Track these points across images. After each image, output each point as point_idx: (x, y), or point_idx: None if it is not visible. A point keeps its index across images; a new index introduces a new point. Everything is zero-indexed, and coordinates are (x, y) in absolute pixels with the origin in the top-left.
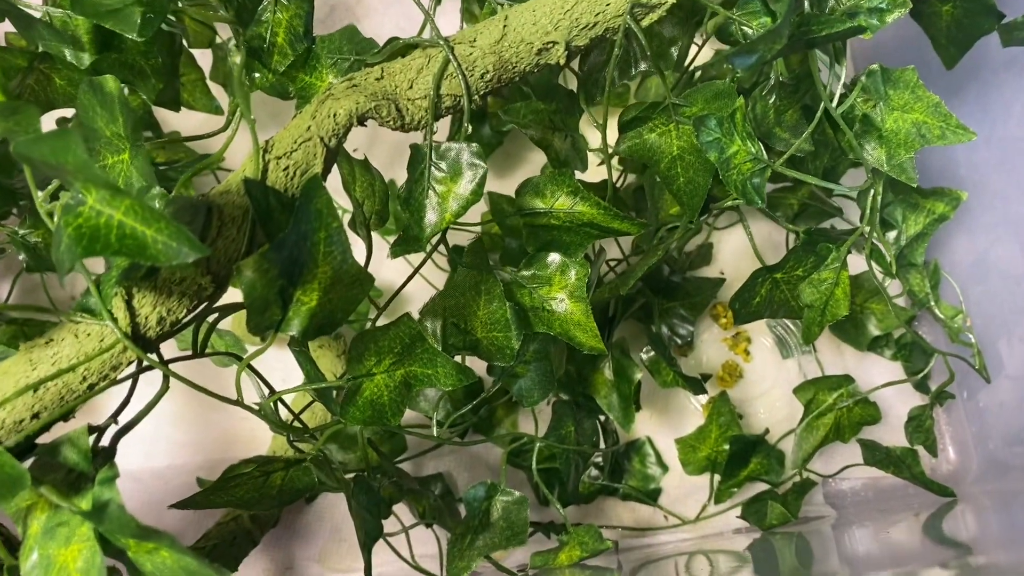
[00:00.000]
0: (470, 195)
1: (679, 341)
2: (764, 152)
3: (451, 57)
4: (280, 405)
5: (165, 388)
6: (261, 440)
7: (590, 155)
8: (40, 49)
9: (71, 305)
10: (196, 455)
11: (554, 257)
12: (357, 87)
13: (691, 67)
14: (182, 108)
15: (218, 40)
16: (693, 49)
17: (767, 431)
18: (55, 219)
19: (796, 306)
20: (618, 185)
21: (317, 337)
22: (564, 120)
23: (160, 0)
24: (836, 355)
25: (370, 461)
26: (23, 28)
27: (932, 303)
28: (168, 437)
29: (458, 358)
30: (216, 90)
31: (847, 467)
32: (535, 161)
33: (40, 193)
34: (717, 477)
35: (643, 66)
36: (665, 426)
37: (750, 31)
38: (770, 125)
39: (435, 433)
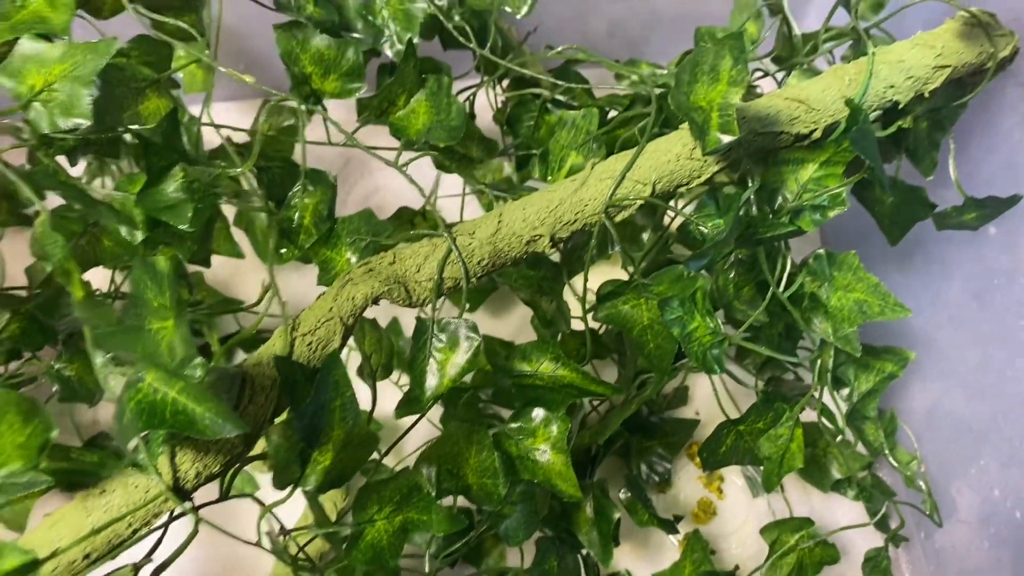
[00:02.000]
0: (466, 364)
1: (657, 478)
2: (721, 326)
3: (453, 247)
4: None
5: (194, 533)
6: (264, 567)
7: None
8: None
9: (93, 428)
10: None
11: (538, 412)
12: (372, 271)
13: (667, 230)
14: None
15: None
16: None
17: (737, 567)
18: (115, 389)
19: (758, 456)
20: (599, 328)
21: (329, 490)
22: (550, 286)
23: (209, 196)
24: (803, 494)
25: None
26: (86, 206)
27: (887, 451)
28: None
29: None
30: (238, 234)
31: None
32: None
33: (99, 361)
34: None
35: (617, 248)
36: (643, 560)
37: (705, 230)
38: (730, 298)
39: (427, 568)
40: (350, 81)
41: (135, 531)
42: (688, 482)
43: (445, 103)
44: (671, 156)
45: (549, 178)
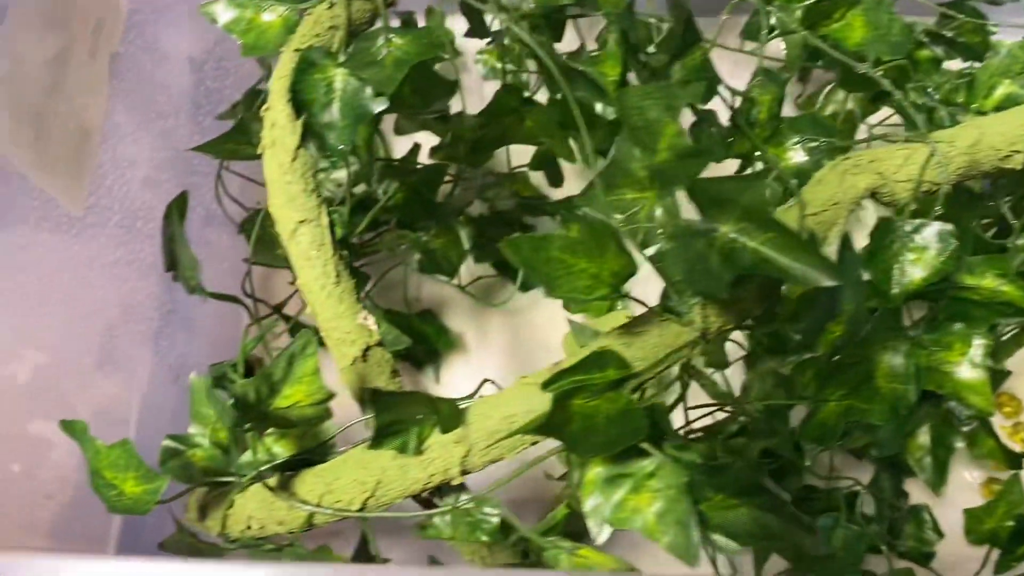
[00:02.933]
0: (940, 264)
1: (961, 423)
2: None
3: (935, 153)
4: None
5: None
6: None
7: None
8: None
9: (417, 305)
10: None
11: (959, 326)
12: (859, 166)
13: None
14: None
15: None
16: None
17: None
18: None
19: None
20: None
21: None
22: (958, 214)
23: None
24: None
25: None
26: (568, 78)
27: None
28: None
29: None
30: None
31: None
32: None
33: (618, 216)
34: (995, 551)
35: None
36: (933, 498)
37: None
38: None
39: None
40: None
41: (665, 368)
42: None
43: (886, 19)
44: None
45: (974, 105)
